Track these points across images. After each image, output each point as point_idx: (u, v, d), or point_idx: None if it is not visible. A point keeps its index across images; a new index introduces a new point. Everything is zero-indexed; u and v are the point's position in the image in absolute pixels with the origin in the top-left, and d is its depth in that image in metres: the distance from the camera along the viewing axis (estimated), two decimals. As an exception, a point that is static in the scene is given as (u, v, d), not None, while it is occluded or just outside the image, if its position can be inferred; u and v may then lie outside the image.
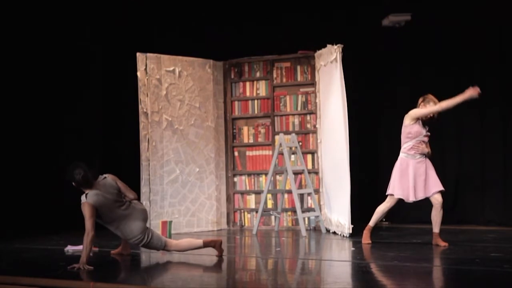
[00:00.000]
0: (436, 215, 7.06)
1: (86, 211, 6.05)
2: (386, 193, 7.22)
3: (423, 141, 7.12)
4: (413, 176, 7.06)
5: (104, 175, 6.39)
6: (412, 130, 7.09)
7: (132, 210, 6.38)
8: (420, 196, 7.08)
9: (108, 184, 6.30)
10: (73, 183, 6.20)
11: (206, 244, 6.54)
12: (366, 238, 7.32)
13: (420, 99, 7.17)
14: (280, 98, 9.25)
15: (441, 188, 7.06)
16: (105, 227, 6.32)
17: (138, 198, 8.39)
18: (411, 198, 7.10)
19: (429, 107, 7.06)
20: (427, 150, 7.13)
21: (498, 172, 8.75)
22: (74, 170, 6.15)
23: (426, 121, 7.13)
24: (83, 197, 6.13)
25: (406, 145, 7.14)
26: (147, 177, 8.61)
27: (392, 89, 9.32)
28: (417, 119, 7.07)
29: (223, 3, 9.43)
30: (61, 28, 9.13)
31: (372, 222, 7.33)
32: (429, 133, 7.17)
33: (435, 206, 7.07)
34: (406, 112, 7.15)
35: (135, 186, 8.55)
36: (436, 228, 7.10)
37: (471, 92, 6.82)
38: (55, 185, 8.63)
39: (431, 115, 7.08)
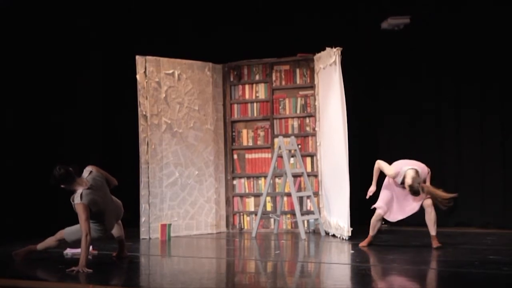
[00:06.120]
0: (430, 219, 7.10)
1: (82, 213, 5.95)
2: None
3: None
4: (396, 195, 7.24)
5: (89, 169, 6.28)
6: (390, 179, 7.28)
7: (108, 206, 6.32)
8: (399, 217, 7.24)
9: (96, 179, 6.22)
10: (61, 185, 6.11)
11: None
12: (364, 242, 7.34)
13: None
14: (280, 101, 9.25)
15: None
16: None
17: (138, 200, 8.48)
18: (391, 217, 7.25)
19: (406, 181, 7.04)
20: None
21: (497, 174, 8.74)
22: (54, 170, 6.08)
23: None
24: (76, 198, 6.01)
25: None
26: (146, 180, 8.61)
27: (391, 92, 9.32)
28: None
29: (223, 6, 9.43)
30: (61, 29, 9.13)
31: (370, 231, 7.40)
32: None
33: (426, 210, 7.12)
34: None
35: (135, 189, 8.58)
36: (432, 231, 7.12)
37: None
38: (54, 188, 8.61)
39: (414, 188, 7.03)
